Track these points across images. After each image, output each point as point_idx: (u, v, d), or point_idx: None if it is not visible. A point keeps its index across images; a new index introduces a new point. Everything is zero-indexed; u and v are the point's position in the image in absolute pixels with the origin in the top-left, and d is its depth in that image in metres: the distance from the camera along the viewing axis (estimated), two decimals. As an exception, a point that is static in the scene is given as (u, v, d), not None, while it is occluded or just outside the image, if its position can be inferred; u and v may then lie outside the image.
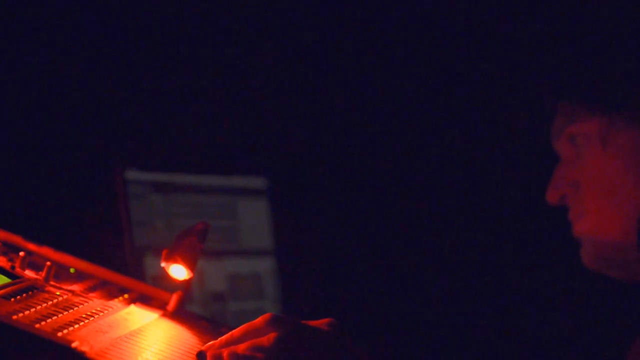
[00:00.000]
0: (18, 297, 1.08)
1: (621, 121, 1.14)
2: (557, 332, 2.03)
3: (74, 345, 0.94)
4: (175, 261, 1.29)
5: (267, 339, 1.06)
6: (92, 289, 1.27)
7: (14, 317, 0.98)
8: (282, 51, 2.14)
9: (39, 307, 1.06)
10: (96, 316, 1.12)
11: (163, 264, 1.30)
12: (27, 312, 1.02)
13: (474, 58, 2.03)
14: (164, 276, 1.53)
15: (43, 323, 1.00)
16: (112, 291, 1.30)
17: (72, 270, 1.32)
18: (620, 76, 1.14)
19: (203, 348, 1.11)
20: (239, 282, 1.89)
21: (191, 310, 1.47)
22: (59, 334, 0.98)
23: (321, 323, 1.12)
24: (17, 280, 1.15)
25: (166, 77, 1.90)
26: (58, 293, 1.17)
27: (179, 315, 1.32)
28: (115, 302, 1.24)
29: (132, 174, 1.69)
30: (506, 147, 2.03)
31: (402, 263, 2.15)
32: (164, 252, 1.30)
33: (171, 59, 1.91)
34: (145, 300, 1.33)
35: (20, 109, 1.71)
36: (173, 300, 1.33)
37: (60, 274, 1.27)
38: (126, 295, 1.30)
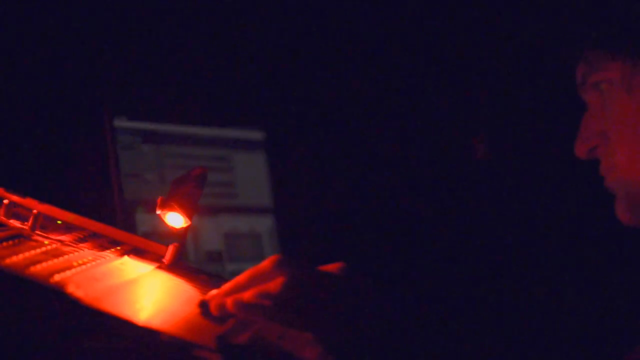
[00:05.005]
0: (4, 243, 1.06)
1: None
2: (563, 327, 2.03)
3: (68, 290, 0.92)
4: (172, 208, 1.27)
5: (275, 284, 1.04)
6: (82, 240, 1.25)
7: (2, 261, 0.97)
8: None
9: (27, 254, 1.04)
10: (89, 264, 1.11)
11: (159, 212, 1.28)
12: (14, 258, 1.00)
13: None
14: (155, 232, 1.50)
15: (33, 268, 0.98)
16: (103, 243, 1.28)
17: (59, 221, 1.30)
18: None
19: (205, 297, 1.09)
20: (237, 241, 1.87)
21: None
22: (51, 279, 0.96)
23: (331, 267, 1.10)
24: (2, 228, 1.13)
25: (161, 23, 1.87)
26: (46, 242, 1.15)
27: (177, 268, 1.30)
28: (108, 253, 1.22)
29: (121, 122, 1.66)
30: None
31: (407, 219, 2.13)
32: (159, 200, 1.28)
33: (168, 4, 1.88)
34: (138, 253, 1.31)
35: (6, 58, 1.68)
36: (169, 252, 1.31)
37: (46, 225, 1.25)
38: (118, 248, 1.28)
